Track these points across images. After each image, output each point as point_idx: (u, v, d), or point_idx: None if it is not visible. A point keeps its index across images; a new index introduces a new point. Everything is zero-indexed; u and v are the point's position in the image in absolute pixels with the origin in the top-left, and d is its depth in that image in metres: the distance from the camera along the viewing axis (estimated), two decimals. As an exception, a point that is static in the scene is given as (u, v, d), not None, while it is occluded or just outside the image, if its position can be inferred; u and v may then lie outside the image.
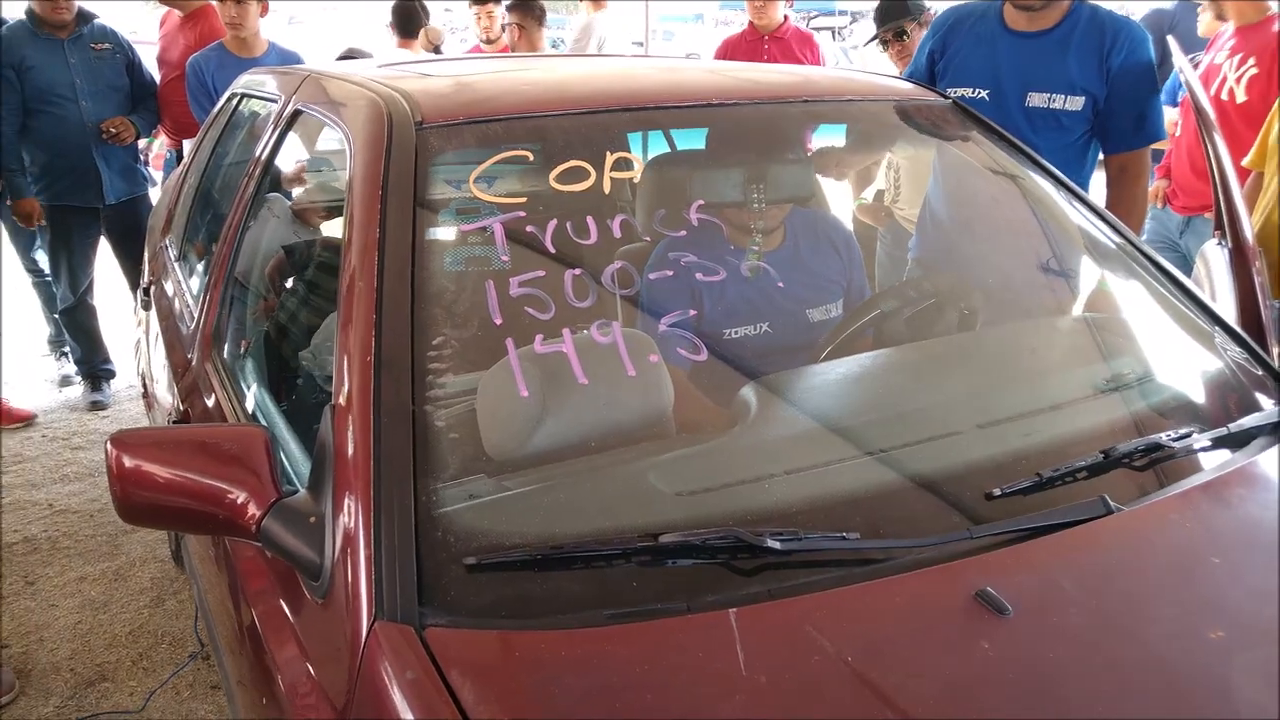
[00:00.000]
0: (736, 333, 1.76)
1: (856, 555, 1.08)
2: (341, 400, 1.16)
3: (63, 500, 3.28)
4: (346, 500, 1.06)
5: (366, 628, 0.97)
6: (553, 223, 1.39)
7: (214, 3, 3.92)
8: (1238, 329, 1.55)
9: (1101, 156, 2.58)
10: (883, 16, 3.42)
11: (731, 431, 1.37)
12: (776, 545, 1.03)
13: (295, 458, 1.43)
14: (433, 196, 1.42)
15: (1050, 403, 1.44)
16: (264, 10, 3.86)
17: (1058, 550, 1.11)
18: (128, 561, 2.90)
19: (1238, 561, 1.14)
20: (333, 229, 2.47)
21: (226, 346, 1.83)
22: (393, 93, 1.53)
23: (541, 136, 1.57)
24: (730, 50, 4.44)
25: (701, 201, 1.58)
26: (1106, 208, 1.91)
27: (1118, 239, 1.69)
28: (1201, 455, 1.29)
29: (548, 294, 1.31)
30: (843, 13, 20.39)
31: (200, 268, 2.26)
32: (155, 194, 3.96)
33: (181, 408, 1.90)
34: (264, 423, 1.56)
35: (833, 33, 18.35)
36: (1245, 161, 2.57)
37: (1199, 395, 1.48)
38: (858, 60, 9.76)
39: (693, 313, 1.64)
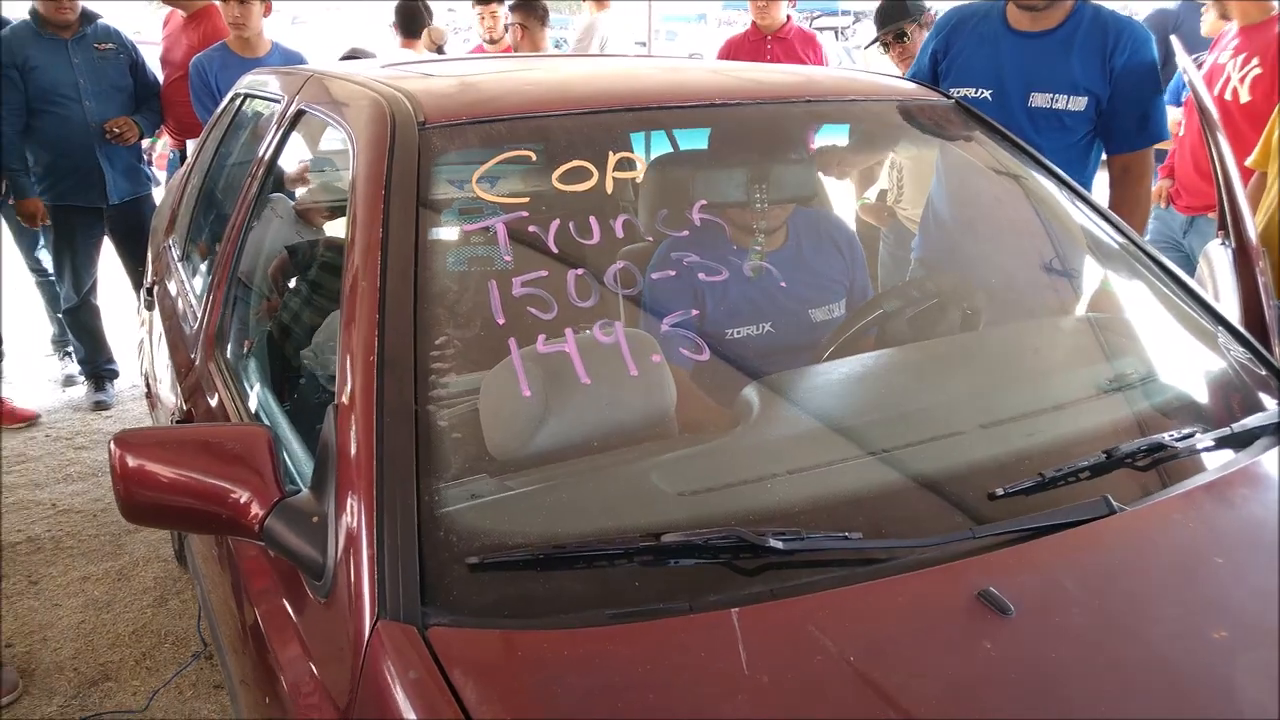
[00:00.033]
0: (739, 333, 1.76)
1: (859, 555, 1.08)
2: (344, 400, 1.16)
3: (66, 500, 3.29)
4: (349, 500, 1.06)
5: (369, 627, 0.97)
6: (555, 223, 1.39)
7: (217, 3, 3.93)
8: (1241, 329, 1.55)
9: (1104, 157, 2.58)
10: (883, 19, 3.41)
11: (734, 431, 1.37)
12: (779, 545, 1.03)
13: (298, 457, 1.43)
14: (435, 196, 1.42)
15: (1053, 403, 1.43)
16: (267, 10, 3.87)
17: (1060, 550, 1.10)
18: (131, 561, 2.90)
19: (1241, 562, 1.13)
20: (336, 229, 2.48)
21: (229, 346, 1.83)
22: (396, 93, 1.53)
23: (544, 136, 1.57)
24: (733, 50, 4.44)
25: (704, 201, 1.57)
26: (1110, 208, 1.90)
27: (1120, 239, 1.68)
28: (1204, 455, 1.29)
29: (550, 294, 1.31)
30: (846, 13, 20.34)
31: (203, 267, 2.26)
32: (159, 194, 3.97)
33: (185, 407, 1.90)
34: (267, 422, 1.56)
35: (835, 33, 18.34)
36: (1249, 161, 2.56)
37: (1202, 395, 1.48)
38: (861, 60, 9.74)
39: (695, 313, 1.64)
